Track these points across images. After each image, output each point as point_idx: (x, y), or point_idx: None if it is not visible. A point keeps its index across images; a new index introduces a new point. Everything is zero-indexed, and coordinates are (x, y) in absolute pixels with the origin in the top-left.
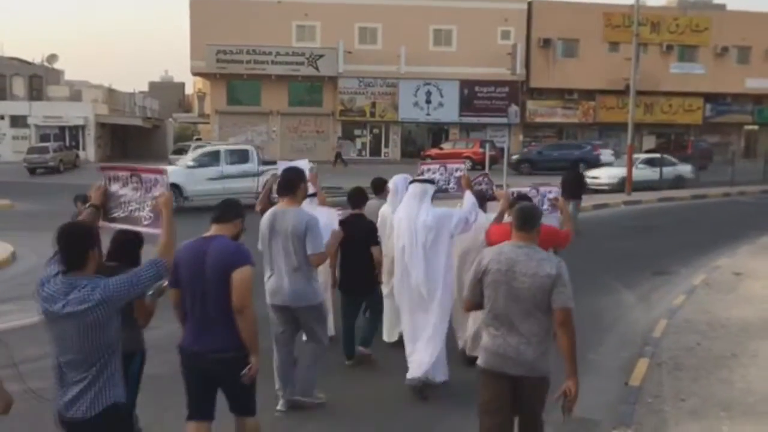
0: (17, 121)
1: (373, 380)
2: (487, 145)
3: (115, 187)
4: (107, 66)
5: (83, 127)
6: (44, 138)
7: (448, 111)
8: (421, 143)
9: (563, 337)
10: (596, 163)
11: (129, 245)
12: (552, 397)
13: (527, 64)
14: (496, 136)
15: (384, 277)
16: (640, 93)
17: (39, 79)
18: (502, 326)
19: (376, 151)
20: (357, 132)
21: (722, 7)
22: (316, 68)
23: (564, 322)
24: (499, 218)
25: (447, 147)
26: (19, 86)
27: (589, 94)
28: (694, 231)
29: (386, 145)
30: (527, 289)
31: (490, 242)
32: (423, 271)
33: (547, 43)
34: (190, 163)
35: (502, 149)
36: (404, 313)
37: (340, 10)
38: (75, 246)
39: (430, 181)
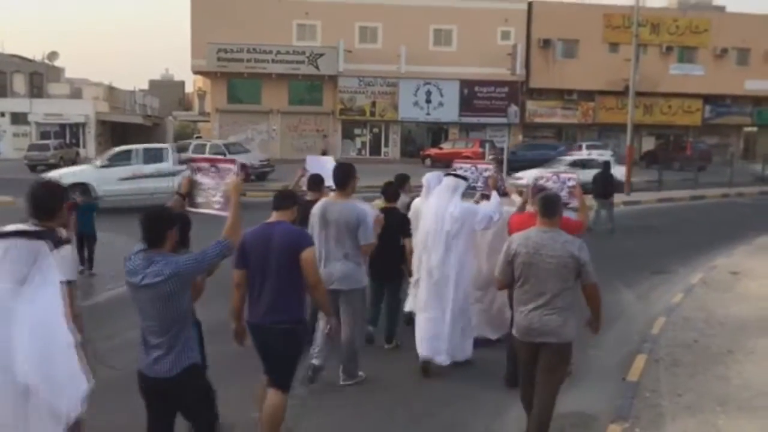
0: (18, 119)
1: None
2: (503, 147)
3: (198, 177)
4: (108, 64)
5: (84, 125)
6: (45, 135)
7: (448, 111)
8: (420, 143)
9: (593, 307)
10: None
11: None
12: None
13: (527, 65)
14: (496, 136)
15: (414, 267)
16: (639, 94)
17: (40, 77)
18: (531, 301)
19: (375, 150)
20: (357, 131)
21: (722, 8)
22: (317, 67)
23: (591, 295)
24: (521, 209)
25: (447, 147)
26: (19, 83)
27: (588, 95)
28: (693, 231)
29: (386, 145)
30: (554, 269)
31: (510, 230)
32: (441, 255)
33: (546, 43)
34: (101, 163)
35: (501, 149)
36: (420, 293)
37: (341, 9)
38: (154, 227)
39: (464, 177)
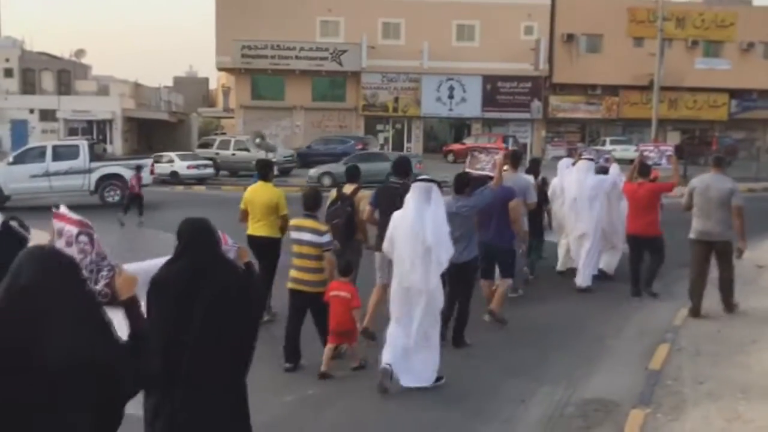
0: (46, 115)
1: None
2: (526, 143)
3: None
4: (133, 61)
5: (111, 121)
6: (72, 132)
7: (471, 106)
8: (443, 138)
9: (737, 222)
10: None
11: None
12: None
13: (550, 60)
14: (519, 132)
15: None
16: (664, 89)
17: (67, 74)
18: (703, 216)
19: (398, 146)
20: (379, 127)
21: (748, 2)
22: (340, 63)
23: (738, 213)
24: (630, 177)
25: (469, 142)
26: (48, 81)
27: (612, 90)
28: None
29: (408, 140)
30: (717, 197)
31: (626, 195)
32: (587, 213)
33: (570, 38)
34: (10, 159)
35: (524, 145)
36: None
37: (364, 6)
38: None
39: (591, 159)
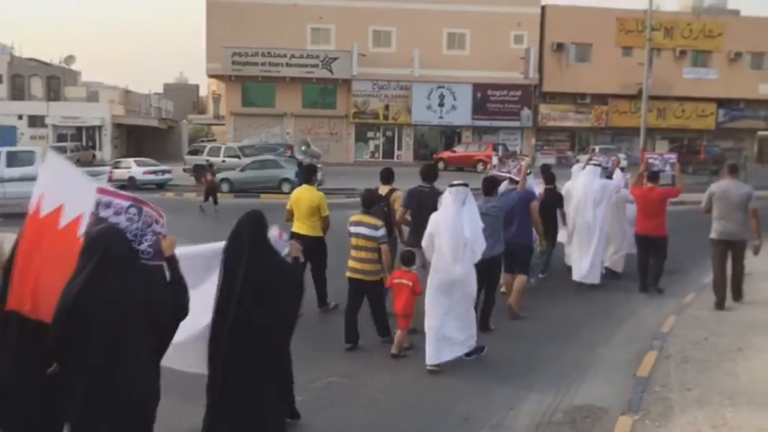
0: (35, 121)
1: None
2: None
3: None
4: (123, 67)
5: (100, 128)
6: (62, 138)
7: (461, 114)
8: (433, 146)
9: (754, 222)
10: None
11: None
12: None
13: (540, 68)
14: (509, 140)
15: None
16: (652, 98)
17: (56, 80)
18: (723, 219)
19: (389, 153)
20: (370, 134)
21: (736, 12)
22: (330, 71)
23: (754, 214)
24: (638, 183)
25: (460, 150)
26: (37, 87)
27: (601, 99)
28: (707, 234)
29: (399, 148)
30: (736, 202)
31: (635, 199)
32: (592, 214)
33: (560, 47)
34: None
35: (514, 153)
36: (574, 237)
37: (355, 14)
38: None
39: (599, 164)
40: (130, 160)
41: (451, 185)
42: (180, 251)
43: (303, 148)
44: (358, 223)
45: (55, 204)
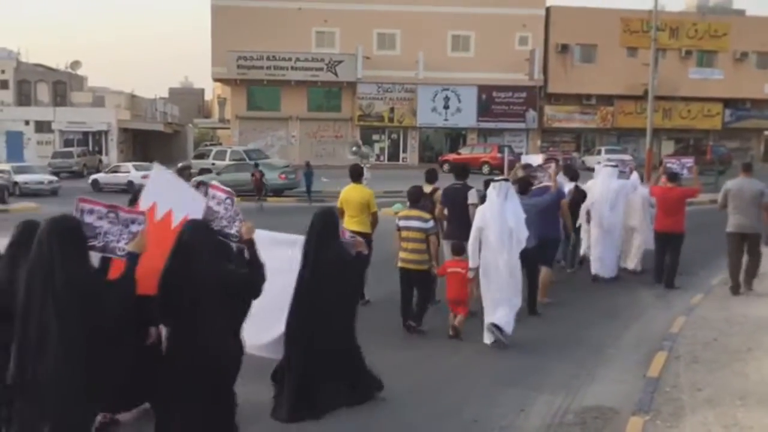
0: (42, 127)
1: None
2: (522, 152)
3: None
4: (129, 72)
5: (106, 133)
6: (68, 143)
7: (466, 116)
8: (438, 148)
9: (766, 216)
10: None
11: None
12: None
13: (545, 70)
14: (514, 141)
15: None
16: (658, 98)
17: (63, 85)
18: (738, 213)
19: (394, 156)
20: (375, 137)
21: (742, 12)
22: (335, 74)
23: (767, 209)
24: (656, 182)
25: (465, 152)
26: (43, 92)
27: (607, 100)
28: (713, 234)
29: (404, 150)
30: (750, 197)
31: (655, 197)
32: (608, 211)
33: (565, 48)
34: None
35: (520, 154)
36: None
37: (359, 17)
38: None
39: (615, 166)
40: (129, 165)
41: (494, 181)
42: (259, 235)
43: (354, 149)
44: (408, 218)
45: (165, 209)
